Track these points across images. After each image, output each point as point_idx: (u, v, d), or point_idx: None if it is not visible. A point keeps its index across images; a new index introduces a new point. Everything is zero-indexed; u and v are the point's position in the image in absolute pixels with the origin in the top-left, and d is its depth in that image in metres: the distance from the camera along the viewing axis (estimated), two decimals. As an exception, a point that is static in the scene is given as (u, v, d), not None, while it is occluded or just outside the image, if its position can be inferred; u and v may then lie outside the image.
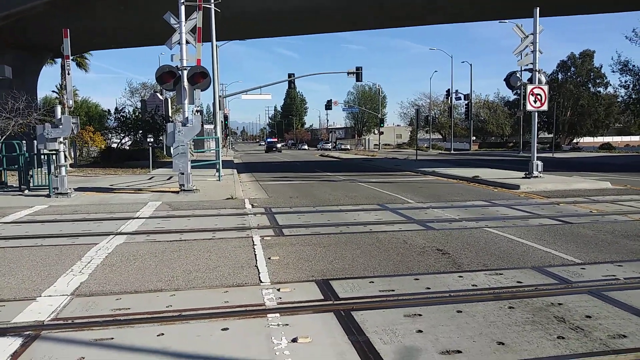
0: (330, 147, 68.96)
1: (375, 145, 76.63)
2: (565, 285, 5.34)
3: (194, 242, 7.45)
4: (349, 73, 36.21)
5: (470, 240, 7.55)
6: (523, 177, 16.25)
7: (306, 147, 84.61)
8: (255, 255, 6.62)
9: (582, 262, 6.24)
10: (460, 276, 5.67)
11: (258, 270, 5.91)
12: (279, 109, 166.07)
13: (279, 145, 67.16)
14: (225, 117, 51.31)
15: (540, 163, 16.22)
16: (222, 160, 20.63)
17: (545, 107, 16.35)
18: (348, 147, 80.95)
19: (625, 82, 43.49)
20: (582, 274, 5.74)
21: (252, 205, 11.46)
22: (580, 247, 7.03)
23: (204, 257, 6.53)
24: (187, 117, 13.30)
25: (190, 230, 8.38)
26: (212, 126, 44.01)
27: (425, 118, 60.25)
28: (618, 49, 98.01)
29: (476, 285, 5.31)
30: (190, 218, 9.64)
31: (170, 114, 36.54)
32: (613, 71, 75.39)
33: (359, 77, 36.28)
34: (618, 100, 54.45)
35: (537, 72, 16.12)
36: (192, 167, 14.25)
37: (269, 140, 72.66)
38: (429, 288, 5.21)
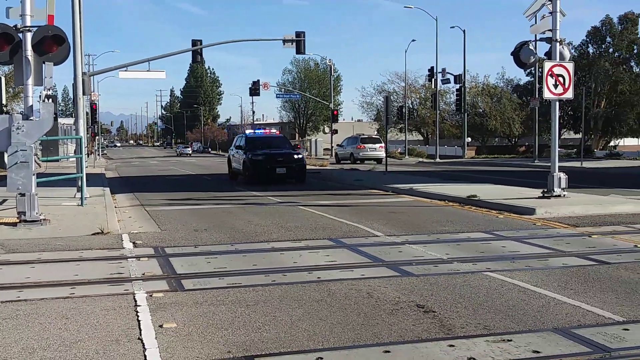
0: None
1: (326, 149, 77.36)
2: (602, 354, 5.54)
3: (40, 303, 7.31)
4: (285, 41, 36.45)
5: (464, 290, 7.71)
6: (540, 197, 16.73)
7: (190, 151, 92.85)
8: (139, 321, 6.55)
9: (625, 320, 6.50)
10: (451, 345, 5.76)
11: (143, 345, 5.83)
12: (178, 94, 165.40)
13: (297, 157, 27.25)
14: (94, 107, 50.40)
15: (564, 176, 16.75)
16: (88, 174, 20.38)
17: (569, 95, 17.04)
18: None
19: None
20: (626, 337, 5.97)
21: (134, 243, 11.36)
22: (621, 299, 7.32)
23: (57, 327, 6.41)
24: (32, 106, 13.25)
25: (35, 284, 8.23)
26: (71, 120, 42.96)
27: (399, 110, 61.47)
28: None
29: (475, 359, 5.43)
30: (34, 265, 9.49)
31: (3, 101, 35.26)
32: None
33: (300, 48, 36.55)
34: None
35: (558, 43, 16.78)
36: (40, 184, 14.07)
37: (252, 136, 29.03)
38: (405, 365, 5.24)
